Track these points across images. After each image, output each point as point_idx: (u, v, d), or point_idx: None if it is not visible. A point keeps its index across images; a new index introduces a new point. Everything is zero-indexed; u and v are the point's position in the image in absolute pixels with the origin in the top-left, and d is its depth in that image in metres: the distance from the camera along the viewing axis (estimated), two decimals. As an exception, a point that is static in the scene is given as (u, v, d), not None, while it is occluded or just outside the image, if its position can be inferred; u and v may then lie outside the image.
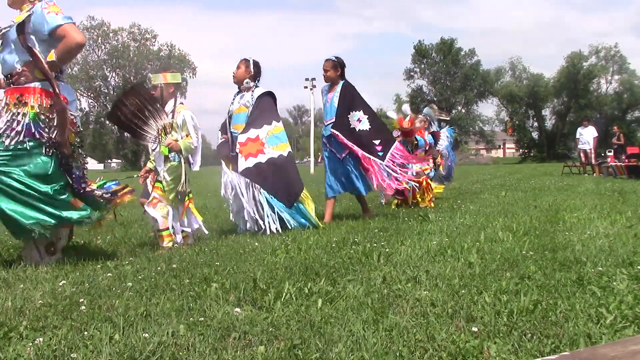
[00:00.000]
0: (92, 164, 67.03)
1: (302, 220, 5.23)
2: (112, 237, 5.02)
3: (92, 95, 56.32)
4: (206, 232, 4.75)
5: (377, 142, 6.02)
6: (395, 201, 7.40)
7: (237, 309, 2.47)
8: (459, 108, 58.24)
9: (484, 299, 2.56)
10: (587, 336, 2.07)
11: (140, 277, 3.23)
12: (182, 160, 4.51)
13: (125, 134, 5.09)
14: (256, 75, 5.47)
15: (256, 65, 5.49)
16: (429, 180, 7.69)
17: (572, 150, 40.93)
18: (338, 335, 2.12)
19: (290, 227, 5.07)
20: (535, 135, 55.15)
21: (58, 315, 2.46)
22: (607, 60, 50.39)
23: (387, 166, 5.98)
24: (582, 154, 16.69)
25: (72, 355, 1.97)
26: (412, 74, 58.14)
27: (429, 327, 2.19)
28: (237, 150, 5.16)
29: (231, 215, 5.38)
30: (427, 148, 7.76)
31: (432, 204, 7.46)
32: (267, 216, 5.00)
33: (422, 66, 57.92)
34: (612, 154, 16.31)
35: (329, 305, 2.55)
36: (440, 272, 3.13)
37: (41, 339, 2.10)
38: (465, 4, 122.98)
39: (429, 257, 3.60)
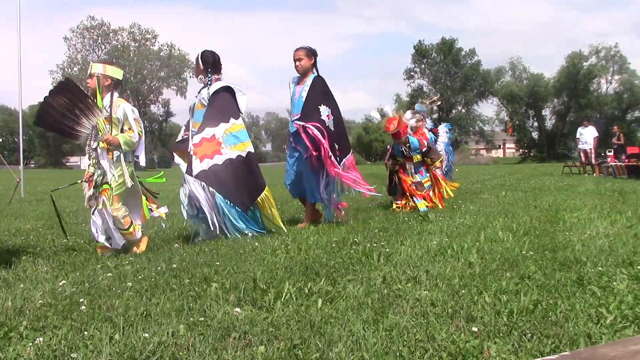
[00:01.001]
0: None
1: (255, 227, 4.89)
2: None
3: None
4: (138, 236, 4.34)
5: (337, 146, 5.55)
6: (395, 206, 7.06)
7: (237, 309, 2.47)
8: (459, 108, 58.22)
9: (484, 299, 2.56)
10: (587, 336, 2.07)
11: (140, 277, 3.23)
12: (122, 156, 4.23)
13: (58, 135, 4.89)
14: (209, 68, 4.98)
15: (207, 56, 5.03)
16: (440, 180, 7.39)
17: (572, 150, 40.93)
18: (338, 335, 2.12)
19: (243, 234, 4.74)
20: (535, 135, 55.12)
21: (58, 315, 2.46)
22: (607, 60, 50.35)
23: (341, 174, 5.55)
24: (582, 154, 16.69)
25: (72, 355, 1.97)
26: (412, 74, 58.12)
27: (429, 327, 2.20)
28: (191, 152, 4.74)
29: (185, 214, 4.91)
30: (423, 150, 7.31)
31: (441, 204, 7.11)
32: (224, 224, 4.71)
33: (423, 66, 57.89)
34: (612, 154, 16.29)
35: (329, 305, 2.55)
36: (440, 272, 3.13)
37: (41, 339, 2.10)
38: (465, 4, 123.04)
39: (429, 257, 3.60)
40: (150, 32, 58.58)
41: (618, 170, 14.39)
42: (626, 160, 14.98)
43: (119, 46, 57.00)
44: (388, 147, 7.47)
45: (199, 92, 5.04)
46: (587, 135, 16.51)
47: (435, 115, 58.40)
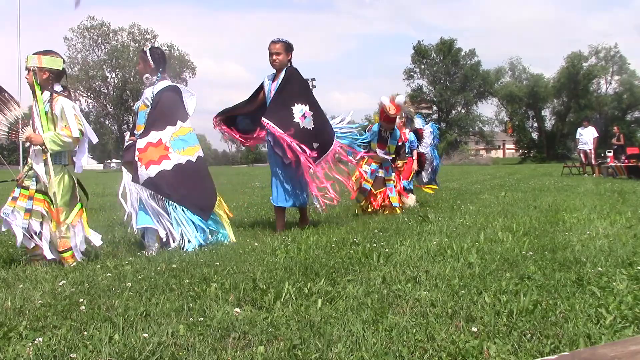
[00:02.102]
0: (91, 165, 67.25)
1: (217, 235, 4.57)
2: (112, 237, 5.02)
3: (91, 95, 56.32)
4: (80, 255, 3.92)
5: (315, 145, 5.12)
6: (362, 204, 6.67)
7: (237, 309, 2.47)
8: (459, 108, 58.28)
9: (483, 299, 2.56)
10: (587, 336, 2.07)
11: (139, 277, 3.23)
12: (50, 160, 3.79)
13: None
14: (158, 66, 4.61)
15: (158, 54, 4.67)
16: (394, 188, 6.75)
17: (572, 150, 40.95)
18: (338, 335, 2.12)
19: (203, 242, 4.41)
20: (535, 135, 55.18)
21: (58, 315, 2.46)
22: (607, 60, 50.42)
23: (316, 173, 5.16)
24: (582, 155, 16.70)
25: (71, 355, 1.97)
26: (412, 74, 58.21)
27: (429, 327, 2.20)
28: (136, 157, 4.31)
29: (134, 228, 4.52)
30: (400, 143, 6.85)
31: (397, 210, 6.63)
32: (185, 233, 4.33)
33: (422, 66, 57.98)
34: (611, 154, 16.30)
35: (328, 305, 2.55)
36: (440, 272, 3.13)
37: (41, 339, 2.10)
38: (465, 4, 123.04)
39: (429, 257, 3.60)
40: (150, 32, 58.59)
41: (618, 171, 14.40)
42: (626, 161, 14.98)
43: (118, 46, 56.99)
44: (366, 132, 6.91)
45: (142, 93, 4.70)
46: (586, 136, 16.53)
47: (435, 116, 58.56)
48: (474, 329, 2.16)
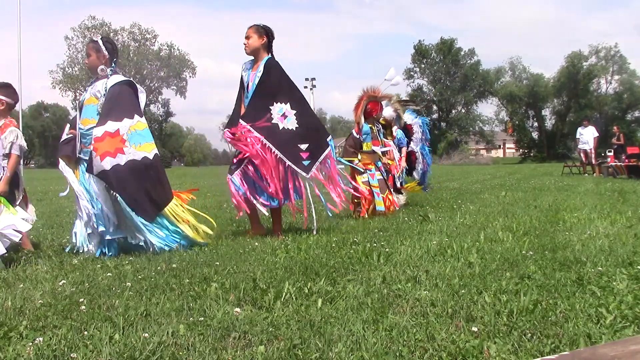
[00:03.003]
0: (92, 164, 67.18)
1: (162, 240, 4.20)
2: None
3: (92, 95, 56.29)
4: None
5: (303, 146, 4.71)
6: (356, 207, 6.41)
7: (237, 309, 2.47)
8: (459, 108, 58.25)
9: (483, 298, 2.56)
10: (587, 336, 2.07)
11: (140, 277, 3.23)
12: None
13: None
14: (112, 57, 4.38)
15: (111, 44, 4.46)
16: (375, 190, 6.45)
17: (572, 150, 40.93)
18: (338, 335, 2.12)
19: (148, 247, 4.15)
20: (535, 135, 55.13)
21: (58, 315, 2.46)
22: (607, 60, 50.35)
23: (310, 179, 4.80)
24: (582, 154, 16.70)
25: (72, 355, 1.97)
26: (412, 73, 58.18)
27: (429, 327, 2.19)
28: (91, 147, 4.08)
29: (77, 236, 4.28)
30: (389, 146, 6.67)
31: (387, 213, 6.36)
32: (138, 232, 4.14)
33: (422, 66, 57.95)
34: (612, 154, 16.30)
35: (329, 305, 2.55)
36: (440, 272, 3.13)
37: (41, 339, 2.10)
38: (465, 4, 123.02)
39: (429, 257, 3.60)
40: (150, 32, 58.62)
41: (619, 170, 14.40)
42: (626, 160, 14.98)
43: (119, 46, 56.99)
44: (353, 133, 6.60)
45: (90, 85, 4.41)
46: (587, 135, 16.53)
47: (435, 116, 58.55)
48: (474, 329, 2.16)
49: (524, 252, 3.68)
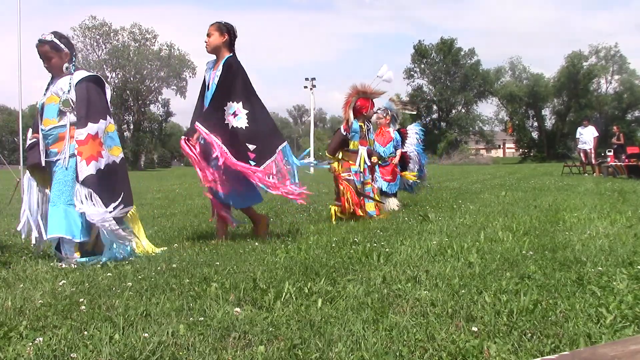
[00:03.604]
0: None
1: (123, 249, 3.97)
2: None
3: (92, 95, 56.30)
4: None
5: (251, 147, 4.53)
6: (334, 209, 6.07)
7: (237, 309, 2.47)
8: (459, 108, 58.29)
9: (484, 298, 2.56)
10: (587, 336, 2.07)
11: (140, 277, 3.23)
12: None
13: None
14: (71, 52, 4.14)
15: (63, 39, 4.14)
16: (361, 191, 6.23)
17: (572, 150, 40.94)
18: (338, 335, 2.12)
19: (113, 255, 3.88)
20: (535, 135, 55.17)
21: (58, 315, 2.46)
22: (607, 60, 50.41)
23: (259, 177, 4.55)
24: (582, 154, 16.70)
25: (72, 355, 1.97)
26: (412, 73, 58.23)
27: (429, 327, 2.19)
28: (75, 151, 3.87)
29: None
30: (385, 146, 6.55)
31: (376, 215, 6.17)
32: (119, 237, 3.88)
33: (422, 66, 58.00)
34: (612, 153, 16.31)
35: (329, 305, 2.55)
36: (440, 272, 3.13)
37: (41, 339, 2.10)
38: (465, 4, 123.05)
39: (429, 257, 3.60)
40: (150, 32, 58.64)
41: (619, 170, 14.40)
42: (626, 160, 14.99)
43: (119, 46, 57.02)
44: (341, 130, 6.31)
45: (52, 84, 4.12)
46: (587, 135, 16.53)
47: (435, 115, 58.59)
48: (474, 329, 2.16)
49: (524, 252, 3.68)
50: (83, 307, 2.57)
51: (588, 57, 50.49)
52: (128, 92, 57.09)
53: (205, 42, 4.66)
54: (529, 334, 2.10)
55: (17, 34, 11.06)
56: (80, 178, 3.83)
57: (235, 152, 4.47)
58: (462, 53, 56.80)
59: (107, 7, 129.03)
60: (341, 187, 6.00)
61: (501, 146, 75.36)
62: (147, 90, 58.92)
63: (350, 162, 6.11)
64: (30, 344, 2.07)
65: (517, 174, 18.59)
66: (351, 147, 6.17)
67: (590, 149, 16.32)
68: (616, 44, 59.09)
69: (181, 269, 3.41)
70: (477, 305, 2.47)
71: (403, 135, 7.62)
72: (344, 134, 6.18)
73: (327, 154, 6.22)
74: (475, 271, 3.13)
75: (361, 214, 6.01)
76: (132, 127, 57.75)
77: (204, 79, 4.81)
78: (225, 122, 4.52)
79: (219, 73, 4.58)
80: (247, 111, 4.56)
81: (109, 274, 3.32)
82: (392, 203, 7.16)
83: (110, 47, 56.88)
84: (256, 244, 4.37)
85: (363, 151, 6.19)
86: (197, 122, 4.57)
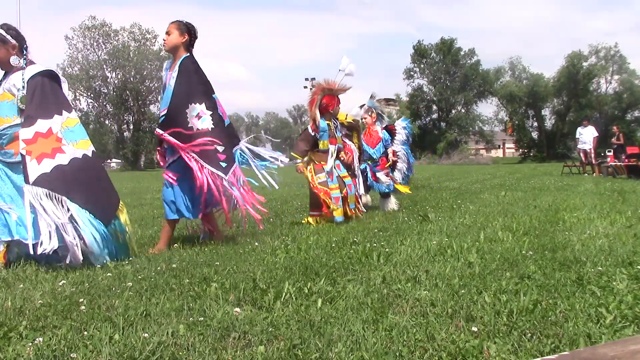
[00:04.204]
0: (92, 164, 67.35)
1: (114, 248, 3.81)
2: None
3: (91, 95, 56.37)
4: None
5: (220, 148, 4.34)
6: (309, 218, 5.85)
7: (237, 309, 2.47)
8: (459, 108, 58.27)
9: (483, 298, 2.56)
10: (587, 336, 2.07)
11: (140, 277, 3.23)
12: None
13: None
14: (21, 45, 3.91)
15: (15, 30, 3.93)
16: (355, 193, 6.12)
17: (572, 150, 40.94)
18: (338, 335, 2.12)
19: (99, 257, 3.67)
20: (535, 135, 55.15)
21: (58, 315, 2.46)
22: (607, 60, 50.36)
23: (230, 182, 4.36)
24: (582, 154, 16.71)
25: (72, 355, 1.97)
26: (412, 73, 58.21)
27: (429, 327, 2.20)
28: (23, 151, 3.62)
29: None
30: (375, 147, 6.36)
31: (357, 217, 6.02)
32: (89, 235, 3.58)
33: (422, 66, 57.98)
34: (611, 153, 16.31)
35: (328, 305, 2.55)
36: (440, 272, 3.13)
37: (41, 339, 2.10)
38: (465, 4, 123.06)
39: (429, 257, 3.60)
40: (150, 32, 58.62)
41: (619, 170, 14.40)
42: (626, 160, 14.99)
43: (119, 46, 57.02)
44: (308, 129, 6.03)
45: (4, 80, 3.92)
46: (586, 135, 16.54)
47: (435, 115, 58.57)
48: (474, 329, 2.16)
49: (523, 252, 3.68)
50: (83, 307, 2.57)
51: (588, 57, 50.45)
52: (128, 92, 57.04)
53: (164, 40, 4.50)
54: (529, 334, 2.10)
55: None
56: (31, 178, 3.56)
57: (205, 157, 4.28)
58: (462, 53, 56.77)
59: (107, 7, 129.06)
60: (320, 195, 5.72)
61: (501, 146, 75.34)
62: (147, 90, 58.87)
63: (322, 162, 5.88)
64: (30, 344, 2.07)
65: (517, 174, 18.58)
66: (321, 146, 5.91)
67: (590, 149, 16.33)
68: (616, 44, 59.19)
69: (181, 269, 3.41)
70: (477, 305, 2.47)
71: (392, 132, 7.42)
72: (312, 134, 5.93)
73: (293, 154, 5.96)
74: (475, 271, 3.13)
75: (353, 212, 5.94)
76: (132, 127, 57.72)
77: (162, 79, 4.64)
78: (189, 124, 4.32)
79: (175, 74, 4.39)
80: (211, 112, 4.39)
81: (108, 274, 3.32)
82: (392, 203, 7.10)
83: (110, 47, 56.85)
84: (256, 244, 4.37)
85: (333, 150, 5.93)
86: (157, 129, 4.42)
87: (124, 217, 4.01)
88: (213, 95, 4.52)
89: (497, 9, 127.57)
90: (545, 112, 54.13)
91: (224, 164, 4.34)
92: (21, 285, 3.07)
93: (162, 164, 4.61)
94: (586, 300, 2.50)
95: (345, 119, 6.69)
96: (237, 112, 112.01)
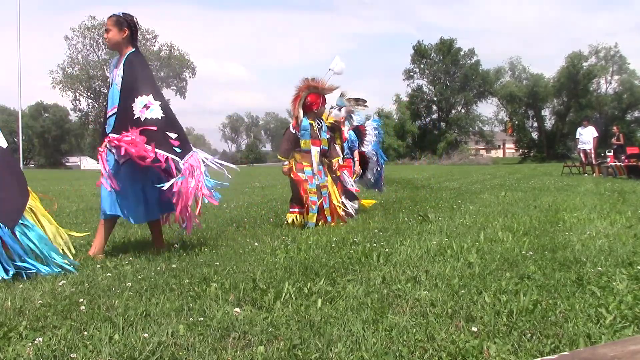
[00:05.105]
0: (92, 164, 67.31)
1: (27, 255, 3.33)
2: (111, 237, 5.01)
3: (91, 95, 56.37)
4: None
5: (172, 135, 4.07)
6: (292, 217, 5.64)
7: (237, 309, 2.47)
8: (459, 108, 58.31)
9: (483, 299, 2.56)
10: (587, 336, 2.07)
11: (139, 277, 3.23)
12: None
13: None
14: None
15: None
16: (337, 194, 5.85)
17: (572, 150, 40.95)
18: (338, 335, 2.12)
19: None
20: (535, 135, 55.17)
21: (58, 315, 2.46)
22: (606, 60, 50.39)
23: (187, 169, 4.03)
24: (582, 154, 16.71)
25: (71, 355, 1.97)
26: (411, 74, 58.24)
27: (429, 327, 2.20)
28: None
29: None
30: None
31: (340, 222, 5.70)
32: None
33: (422, 66, 58.02)
34: (611, 154, 16.32)
35: (328, 305, 2.55)
36: (440, 272, 3.13)
37: (41, 339, 2.10)
38: (465, 4, 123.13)
39: (429, 257, 3.60)
40: (150, 32, 58.64)
41: (618, 170, 14.40)
42: (626, 160, 14.99)
43: (119, 46, 57.03)
44: (291, 129, 5.80)
45: None
46: (586, 136, 16.54)
47: (435, 116, 58.59)
48: (474, 329, 2.16)
49: (523, 252, 3.68)
50: (83, 307, 2.57)
51: (588, 57, 50.48)
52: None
53: (105, 38, 4.29)
54: (529, 334, 2.10)
55: (17, 34, 11.06)
56: None
57: (156, 144, 3.95)
58: (462, 53, 56.80)
59: (107, 7, 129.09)
60: (301, 192, 5.54)
61: (501, 146, 75.34)
62: (146, 91, 58.90)
63: (304, 163, 5.61)
64: (30, 344, 2.07)
65: (517, 174, 18.58)
66: (302, 145, 5.64)
67: (590, 149, 16.33)
68: (616, 44, 59.28)
69: (181, 269, 3.41)
70: (477, 306, 2.47)
71: (362, 133, 7.08)
72: (294, 132, 5.69)
73: (279, 156, 5.79)
74: (475, 271, 3.13)
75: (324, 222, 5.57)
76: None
77: (109, 73, 4.41)
78: (136, 117, 4.00)
79: (120, 72, 4.15)
80: (160, 102, 4.12)
81: (108, 274, 3.32)
82: (353, 206, 6.52)
83: (110, 47, 56.86)
84: (256, 244, 4.37)
85: (315, 152, 5.63)
86: (112, 135, 4.02)
87: (38, 216, 3.56)
88: (161, 91, 4.31)
89: (497, 9, 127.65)
90: (545, 112, 54.20)
91: (178, 150, 4.03)
92: (21, 285, 3.07)
93: (104, 167, 4.10)
94: (586, 301, 2.50)
95: (327, 120, 6.46)
96: (237, 112, 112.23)
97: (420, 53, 57.38)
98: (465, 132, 57.48)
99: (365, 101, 7.19)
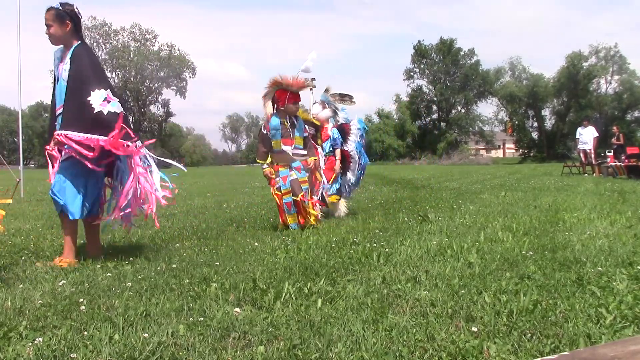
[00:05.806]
0: (92, 164, 67.43)
1: None
2: (112, 237, 5.02)
3: (91, 95, 56.36)
4: None
5: (132, 133, 3.97)
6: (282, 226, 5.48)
7: (237, 309, 2.47)
8: (459, 108, 58.34)
9: (483, 299, 2.56)
10: (587, 336, 2.07)
11: (139, 277, 3.23)
12: None
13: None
14: None
15: None
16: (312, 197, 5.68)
17: (572, 150, 40.96)
18: (338, 335, 2.12)
19: None
20: (535, 135, 55.20)
21: (58, 315, 2.46)
22: (607, 60, 50.40)
23: (143, 168, 3.97)
24: (582, 154, 16.72)
25: (71, 355, 1.97)
26: (411, 74, 58.28)
27: (429, 327, 2.19)
28: None
29: None
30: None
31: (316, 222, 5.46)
32: None
33: (422, 66, 58.06)
34: (611, 154, 16.32)
35: (328, 305, 2.55)
36: (440, 272, 3.13)
37: (41, 339, 2.10)
38: (465, 4, 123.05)
39: (429, 257, 3.60)
40: (150, 32, 58.69)
41: (618, 170, 14.40)
42: (626, 160, 14.99)
43: (119, 46, 57.05)
44: (262, 128, 5.61)
45: None
46: (586, 136, 16.54)
47: (435, 116, 58.60)
48: (474, 329, 2.16)
49: (524, 252, 3.68)
50: (83, 307, 2.57)
51: (588, 57, 50.50)
52: (128, 92, 57.07)
53: (47, 34, 3.99)
54: (529, 334, 2.10)
55: (17, 34, 11.04)
56: None
57: (117, 135, 3.80)
58: (462, 53, 56.86)
59: (107, 7, 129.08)
60: (275, 198, 5.46)
61: (501, 146, 75.36)
62: (147, 91, 58.95)
63: (279, 164, 5.47)
64: (30, 344, 2.07)
65: (517, 174, 18.58)
66: (274, 146, 5.47)
67: (590, 149, 16.33)
68: (616, 44, 59.28)
69: (181, 269, 3.41)
70: (477, 306, 2.47)
71: (346, 132, 6.85)
72: (265, 132, 5.50)
73: (257, 160, 5.68)
74: (475, 271, 3.13)
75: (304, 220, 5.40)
76: (132, 127, 57.88)
77: (54, 69, 4.13)
78: (97, 110, 3.80)
79: (66, 67, 3.93)
80: (118, 99, 3.98)
81: (108, 274, 3.32)
82: (340, 207, 6.60)
83: (110, 47, 56.88)
84: (256, 244, 4.38)
85: (288, 150, 5.46)
86: (60, 132, 3.86)
87: None
88: (107, 80, 4.12)
89: (497, 9, 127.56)
90: (545, 112, 54.24)
91: (138, 143, 3.98)
92: (21, 285, 3.07)
93: (53, 167, 4.02)
94: (586, 301, 2.50)
95: (312, 118, 6.37)
96: (237, 112, 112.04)
97: (420, 53, 57.43)
98: (465, 132, 57.53)
99: (351, 97, 6.98)
